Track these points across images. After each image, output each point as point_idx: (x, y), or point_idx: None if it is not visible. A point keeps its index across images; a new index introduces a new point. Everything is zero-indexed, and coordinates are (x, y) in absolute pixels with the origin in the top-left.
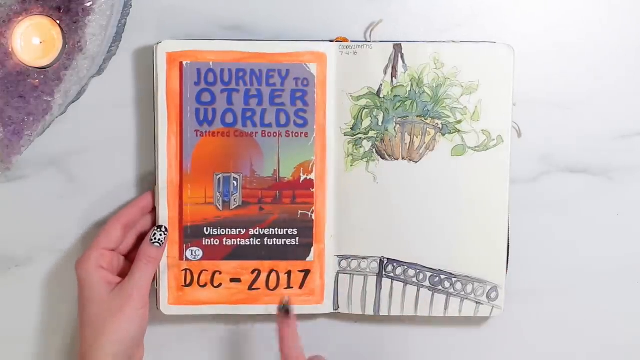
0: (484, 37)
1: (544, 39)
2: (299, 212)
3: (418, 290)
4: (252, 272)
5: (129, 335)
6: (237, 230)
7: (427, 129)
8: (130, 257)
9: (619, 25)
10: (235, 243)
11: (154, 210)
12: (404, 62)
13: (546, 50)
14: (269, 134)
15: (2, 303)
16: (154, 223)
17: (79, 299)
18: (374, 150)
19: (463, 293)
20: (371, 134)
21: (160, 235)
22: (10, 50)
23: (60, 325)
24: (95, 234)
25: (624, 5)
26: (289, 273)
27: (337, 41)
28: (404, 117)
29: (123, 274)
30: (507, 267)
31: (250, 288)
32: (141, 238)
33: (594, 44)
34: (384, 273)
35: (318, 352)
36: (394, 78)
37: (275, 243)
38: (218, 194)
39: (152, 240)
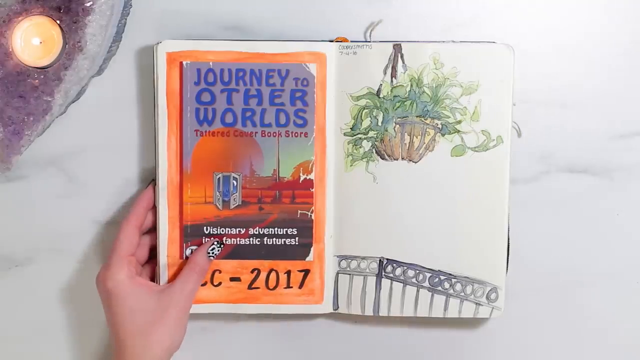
0: (483, 37)
1: (544, 39)
2: (299, 212)
3: (417, 291)
4: (252, 272)
5: (177, 344)
6: (237, 229)
7: (427, 129)
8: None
9: (618, 25)
10: (235, 242)
11: (154, 207)
12: (403, 62)
13: (546, 50)
14: (269, 134)
15: (2, 303)
16: (154, 220)
17: (115, 310)
18: (373, 150)
19: (463, 294)
20: (371, 134)
21: (219, 250)
22: (10, 50)
23: (60, 326)
24: (96, 234)
25: (624, 5)
26: (288, 273)
27: (336, 41)
28: (404, 117)
29: (140, 275)
30: (507, 268)
31: (249, 287)
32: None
33: (593, 44)
34: (383, 273)
35: (317, 352)
36: (393, 78)
37: (274, 243)
38: (218, 193)
39: (209, 253)
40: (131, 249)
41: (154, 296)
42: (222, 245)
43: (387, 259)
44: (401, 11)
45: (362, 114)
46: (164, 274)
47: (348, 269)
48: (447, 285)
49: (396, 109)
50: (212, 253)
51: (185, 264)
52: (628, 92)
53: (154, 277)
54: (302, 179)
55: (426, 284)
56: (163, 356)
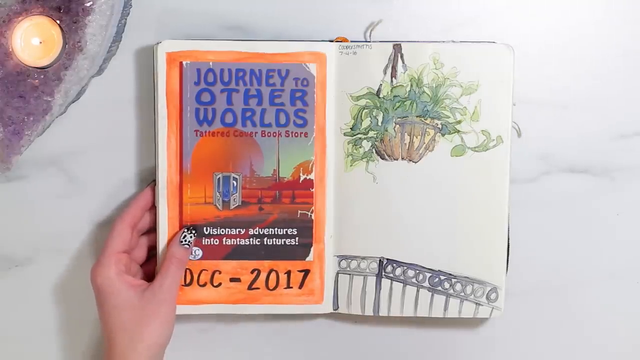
0: (483, 37)
1: (544, 39)
2: (299, 212)
3: (417, 291)
4: (252, 272)
5: (164, 339)
6: (237, 230)
7: (427, 129)
8: (132, 256)
9: (618, 25)
10: (235, 243)
11: (153, 208)
12: (403, 62)
13: (546, 50)
14: (269, 134)
15: (2, 303)
16: (153, 221)
17: (104, 307)
18: (373, 150)
19: (463, 294)
20: (371, 134)
21: (191, 237)
22: (10, 50)
23: (60, 325)
24: (95, 233)
25: (623, 6)
26: (288, 273)
27: (336, 41)
28: (404, 117)
29: (133, 274)
30: (507, 268)
31: (249, 288)
32: (138, 235)
33: (593, 44)
34: (383, 273)
35: (317, 352)
36: (393, 78)
37: (274, 243)
38: (218, 193)
39: (182, 241)
40: (122, 246)
41: (139, 294)
42: (193, 232)
43: (387, 259)
44: (401, 11)
45: (362, 114)
46: None
47: (348, 269)
48: (447, 285)
49: (396, 109)
50: (186, 241)
51: (163, 259)
52: (628, 93)
53: (153, 277)
54: (302, 179)
55: (426, 284)
56: (149, 352)
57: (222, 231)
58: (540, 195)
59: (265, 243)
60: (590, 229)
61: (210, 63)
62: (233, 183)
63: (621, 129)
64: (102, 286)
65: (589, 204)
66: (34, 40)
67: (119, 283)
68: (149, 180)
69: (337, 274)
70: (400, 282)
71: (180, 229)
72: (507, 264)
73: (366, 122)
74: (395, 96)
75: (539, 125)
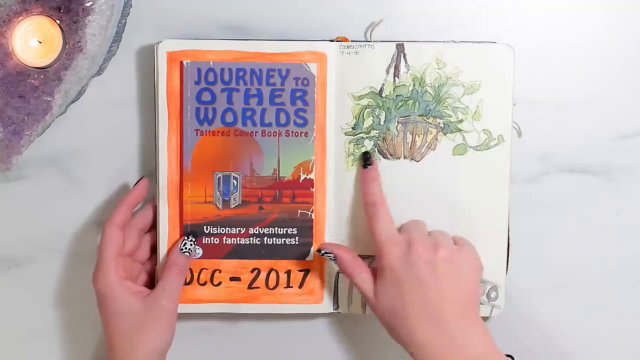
0: (484, 37)
1: (544, 39)
2: (299, 211)
3: None
4: (252, 271)
5: (164, 345)
6: (237, 229)
7: (429, 128)
8: (135, 256)
9: (619, 25)
10: (235, 242)
11: (152, 205)
12: (406, 61)
13: (546, 51)
14: (269, 134)
15: (2, 303)
16: (154, 215)
17: (105, 311)
18: (375, 149)
19: None
20: (373, 133)
21: (191, 244)
22: (10, 50)
23: (60, 325)
24: (95, 234)
25: (625, 5)
26: (288, 272)
27: (337, 41)
28: (406, 117)
29: (135, 275)
30: (507, 267)
31: (249, 287)
32: (141, 234)
33: (594, 44)
34: None
35: (317, 353)
36: (396, 77)
37: (274, 242)
38: (218, 193)
39: (182, 249)
40: (117, 249)
41: (139, 300)
42: (194, 240)
43: None
44: (402, 11)
45: (364, 113)
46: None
47: None
48: None
49: (399, 108)
50: (186, 249)
51: (164, 266)
52: (628, 92)
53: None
54: (302, 178)
55: None
56: (151, 357)
57: (222, 230)
58: (540, 195)
59: (265, 242)
60: (590, 229)
61: (211, 62)
62: (233, 182)
63: (621, 129)
64: (102, 291)
65: (588, 204)
66: (34, 40)
67: (119, 290)
68: (149, 179)
69: (338, 273)
70: None
71: (180, 228)
72: (507, 263)
73: (368, 122)
74: (397, 95)
75: (539, 125)
